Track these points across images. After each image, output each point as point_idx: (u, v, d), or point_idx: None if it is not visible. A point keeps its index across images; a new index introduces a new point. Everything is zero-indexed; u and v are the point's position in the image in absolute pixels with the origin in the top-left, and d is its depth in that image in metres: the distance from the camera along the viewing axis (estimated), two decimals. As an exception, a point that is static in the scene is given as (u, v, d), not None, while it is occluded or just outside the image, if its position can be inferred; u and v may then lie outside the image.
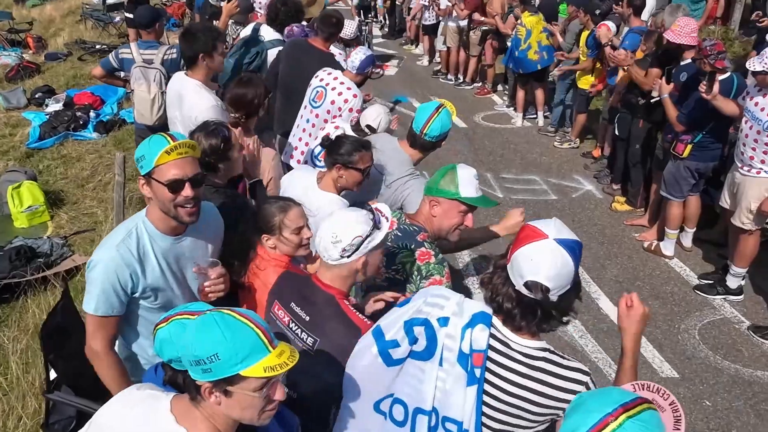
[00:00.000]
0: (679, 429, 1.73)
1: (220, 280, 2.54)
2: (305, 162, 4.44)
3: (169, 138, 2.33)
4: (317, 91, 4.61)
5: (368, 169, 3.31)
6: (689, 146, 5.45)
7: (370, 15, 12.59)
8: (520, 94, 9.43)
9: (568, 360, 1.95)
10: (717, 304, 5.39)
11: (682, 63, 5.64)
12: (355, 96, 4.51)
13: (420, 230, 2.81)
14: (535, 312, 1.87)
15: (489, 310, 1.96)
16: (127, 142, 7.80)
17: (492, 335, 1.93)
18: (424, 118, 3.46)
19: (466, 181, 2.78)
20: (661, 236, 6.18)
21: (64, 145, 7.98)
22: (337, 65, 4.87)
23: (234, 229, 2.83)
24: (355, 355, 2.15)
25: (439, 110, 3.45)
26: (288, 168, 4.42)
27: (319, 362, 2.27)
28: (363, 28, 10.92)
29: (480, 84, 11.27)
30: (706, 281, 5.60)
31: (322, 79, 4.60)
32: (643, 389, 1.79)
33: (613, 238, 6.46)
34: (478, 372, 1.89)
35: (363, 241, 2.23)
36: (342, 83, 4.54)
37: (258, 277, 2.76)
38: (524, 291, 1.84)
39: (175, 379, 1.97)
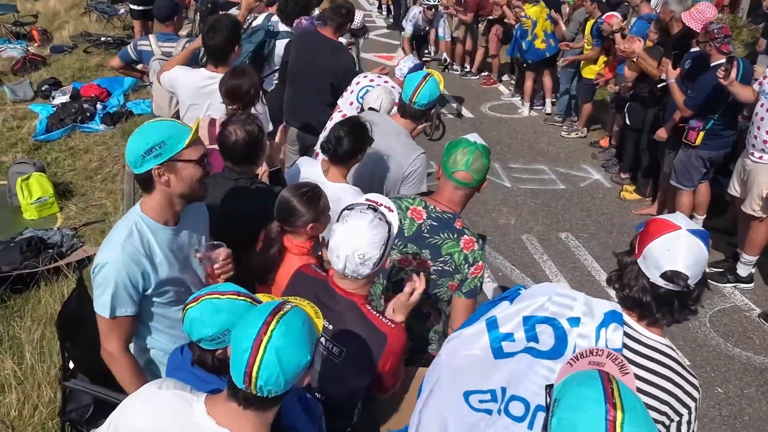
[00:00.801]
0: (627, 372, 1.73)
1: (228, 261, 2.55)
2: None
3: (181, 122, 2.37)
4: (367, 90, 4.60)
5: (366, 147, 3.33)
6: (701, 134, 5.43)
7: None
8: (528, 83, 9.40)
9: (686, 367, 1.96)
10: (727, 292, 5.39)
11: (691, 50, 5.61)
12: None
13: (455, 216, 2.74)
14: (671, 303, 1.89)
15: (619, 308, 1.96)
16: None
17: (625, 333, 1.92)
18: (412, 87, 3.47)
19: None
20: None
21: (72, 137, 7.98)
22: (348, 55, 4.88)
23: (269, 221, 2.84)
24: (461, 341, 2.11)
25: (427, 79, 3.46)
26: None
27: (346, 370, 2.27)
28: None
29: (486, 74, 11.24)
30: (716, 269, 5.60)
31: (372, 80, 4.62)
32: (578, 360, 1.79)
33: (623, 227, 6.45)
34: None
35: (386, 246, 2.22)
36: (394, 87, 4.58)
37: (280, 265, 2.77)
38: (661, 282, 1.86)
39: (204, 359, 1.99)
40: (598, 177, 7.57)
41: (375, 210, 2.23)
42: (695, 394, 1.91)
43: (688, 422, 1.92)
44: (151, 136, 2.26)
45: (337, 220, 2.27)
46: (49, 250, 5.32)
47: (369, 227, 2.18)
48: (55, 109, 8.39)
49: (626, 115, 6.96)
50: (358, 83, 4.67)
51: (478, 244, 2.73)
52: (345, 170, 3.36)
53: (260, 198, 3.03)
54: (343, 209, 2.30)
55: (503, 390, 2.06)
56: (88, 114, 8.35)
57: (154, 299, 2.46)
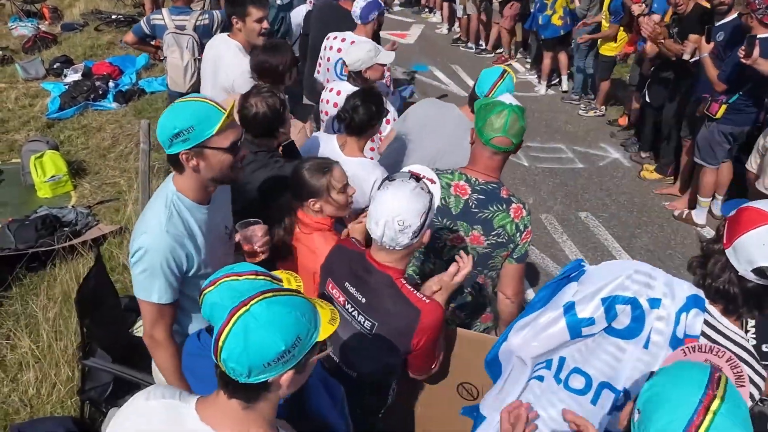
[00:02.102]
0: (742, 385, 1.66)
1: (267, 238, 2.49)
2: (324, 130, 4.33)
3: (210, 102, 2.21)
4: (344, 64, 4.48)
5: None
6: (723, 107, 5.30)
7: None
8: (546, 62, 9.23)
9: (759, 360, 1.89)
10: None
11: (722, 22, 5.45)
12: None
13: (499, 185, 2.68)
14: (760, 297, 1.80)
15: (701, 293, 1.87)
16: (147, 112, 7.74)
17: (704, 321, 1.84)
18: (489, 84, 3.28)
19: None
20: (692, 204, 6.07)
21: (84, 115, 7.91)
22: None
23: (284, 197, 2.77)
24: (537, 330, 2.02)
25: (504, 76, 3.29)
26: None
27: (379, 345, 2.20)
28: None
29: (500, 51, 11.06)
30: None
31: (339, 50, 4.48)
32: (694, 352, 1.70)
33: (643, 206, 6.35)
34: None
35: (427, 216, 2.13)
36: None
37: (300, 241, 2.70)
38: (751, 276, 1.77)
39: None
40: (617, 156, 7.45)
41: (417, 180, 2.15)
42: (762, 385, 1.84)
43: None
44: (180, 119, 2.16)
45: (378, 189, 2.19)
46: (64, 229, 5.28)
47: (410, 194, 2.09)
48: (67, 87, 8.32)
49: (646, 92, 6.82)
50: (328, 59, 4.55)
51: (525, 209, 2.70)
52: (362, 142, 3.29)
53: (279, 172, 2.96)
54: (385, 178, 2.22)
55: (561, 360, 1.99)
56: (101, 92, 8.28)
57: (193, 281, 2.38)
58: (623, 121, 8.10)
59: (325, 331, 1.50)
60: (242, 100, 2.98)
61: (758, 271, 1.75)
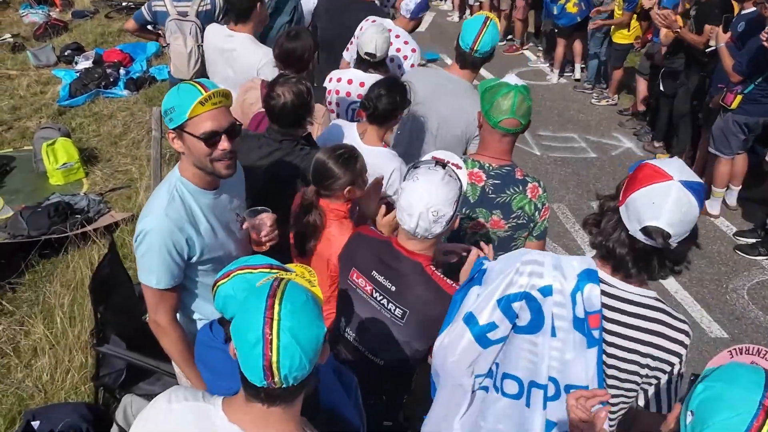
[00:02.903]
0: None
1: (274, 227, 2.47)
2: (337, 115, 4.31)
3: (200, 87, 2.15)
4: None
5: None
6: (739, 97, 5.25)
7: None
8: (559, 50, 9.16)
9: (675, 312, 1.84)
10: (766, 264, 5.24)
11: (742, 12, 5.38)
12: (414, 51, 4.35)
13: (513, 167, 2.68)
14: (649, 259, 1.73)
15: (593, 264, 1.82)
16: (158, 99, 7.72)
17: (601, 291, 1.79)
18: (473, 34, 3.21)
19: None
20: (706, 195, 6.01)
21: (96, 102, 7.92)
22: (383, 14, 4.70)
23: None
24: (447, 346, 1.99)
25: (487, 24, 3.21)
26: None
27: (410, 333, 2.20)
28: None
29: (509, 38, 10.97)
30: (747, 241, 5.46)
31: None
32: (742, 353, 1.66)
33: (656, 196, 6.29)
34: (596, 333, 1.78)
35: (458, 203, 2.13)
36: (398, 36, 4.33)
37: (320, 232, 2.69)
38: (640, 236, 1.68)
39: None
40: (630, 145, 7.39)
41: (444, 166, 2.13)
42: (685, 340, 1.80)
43: (680, 372, 1.82)
44: (169, 98, 2.17)
45: (404, 179, 2.17)
46: (77, 216, 5.29)
47: (442, 183, 2.07)
48: (78, 74, 8.33)
49: (660, 81, 6.76)
50: (361, 29, 4.46)
51: (541, 187, 2.71)
52: (382, 132, 3.26)
53: (305, 161, 2.94)
54: (410, 166, 2.19)
55: (497, 365, 1.97)
56: (112, 79, 8.28)
57: (199, 267, 2.37)
58: (633, 108, 8.03)
59: (317, 291, 1.58)
60: (268, 90, 2.94)
61: (646, 231, 1.66)
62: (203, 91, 2.13)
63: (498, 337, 1.89)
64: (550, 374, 1.85)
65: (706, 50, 5.85)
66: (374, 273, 2.26)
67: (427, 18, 12.72)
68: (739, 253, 5.38)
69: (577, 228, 5.72)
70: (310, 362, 1.37)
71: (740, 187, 5.89)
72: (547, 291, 1.81)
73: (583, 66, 9.22)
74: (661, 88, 6.72)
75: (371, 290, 2.27)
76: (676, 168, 1.68)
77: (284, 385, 1.36)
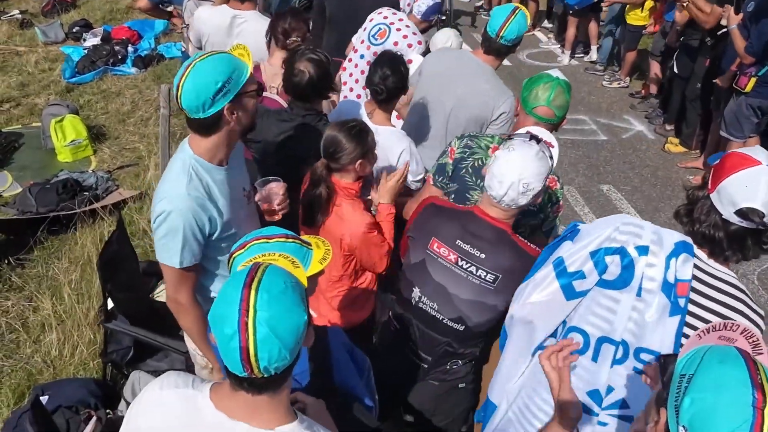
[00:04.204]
0: (761, 352, 1.61)
1: (286, 196, 2.47)
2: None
3: (229, 50, 2.21)
4: (380, 29, 4.39)
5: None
6: (753, 80, 5.18)
7: None
8: (571, 31, 9.06)
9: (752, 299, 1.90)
10: (777, 249, 5.20)
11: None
12: (419, 43, 4.31)
13: None
14: (744, 240, 1.80)
15: (689, 240, 1.88)
16: (166, 77, 7.69)
17: (694, 265, 1.85)
18: (500, 21, 3.25)
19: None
20: (718, 179, 5.95)
21: (104, 79, 7.89)
22: (396, 2, 4.66)
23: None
24: (530, 290, 2.05)
25: (516, 12, 3.24)
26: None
27: (500, 297, 2.27)
28: None
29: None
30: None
31: (386, 17, 4.39)
32: (709, 332, 1.65)
33: (667, 180, 6.25)
34: (682, 302, 1.83)
35: (546, 180, 2.20)
36: (407, 26, 4.31)
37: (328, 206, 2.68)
38: (734, 219, 1.77)
39: None
40: (642, 128, 7.32)
41: (538, 142, 2.19)
42: (761, 324, 1.85)
43: None
44: (218, 73, 2.10)
45: (500, 149, 2.24)
46: (85, 193, 5.30)
47: (536, 158, 2.15)
48: (86, 51, 8.29)
49: (674, 63, 6.67)
50: (371, 20, 4.42)
51: (559, 183, 2.72)
52: (390, 110, 3.23)
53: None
54: (505, 137, 2.26)
55: (563, 324, 2.01)
56: (120, 57, 8.24)
57: (216, 244, 2.36)
58: (645, 90, 7.95)
59: (313, 267, 1.70)
60: (287, 67, 2.92)
61: (740, 213, 1.75)
62: (227, 52, 2.18)
63: (583, 289, 1.95)
64: (624, 336, 1.89)
65: (718, 32, 5.77)
66: (459, 242, 2.32)
67: None
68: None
69: (587, 211, 5.69)
70: (291, 352, 1.35)
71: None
72: (643, 250, 1.87)
73: (599, 47, 9.10)
74: (675, 69, 6.63)
75: (456, 259, 2.32)
76: (763, 154, 1.79)
77: (266, 375, 1.35)
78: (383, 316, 2.82)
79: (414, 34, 4.30)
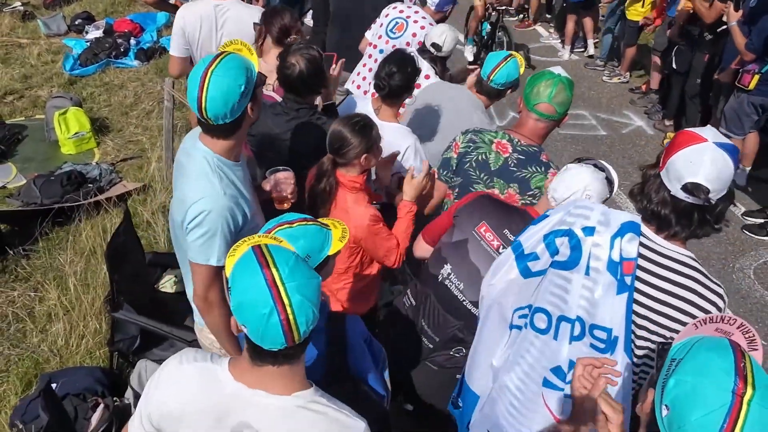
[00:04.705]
0: (755, 348, 1.66)
1: (296, 185, 2.53)
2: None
3: (241, 46, 2.27)
4: (397, 23, 4.45)
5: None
6: (756, 77, 5.21)
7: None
8: (570, 26, 9.08)
9: (711, 276, 1.94)
10: (773, 244, 5.26)
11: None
12: (431, 25, 4.36)
13: (540, 150, 2.79)
14: (691, 216, 1.86)
15: (637, 219, 1.95)
16: (168, 70, 7.71)
17: (642, 244, 1.92)
18: (491, 65, 3.37)
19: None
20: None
21: (106, 72, 7.92)
22: None
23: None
24: (494, 271, 2.18)
25: (507, 59, 3.36)
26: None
27: None
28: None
29: (522, 15, 10.87)
30: (752, 220, 5.46)
31: (402, 11, 4.45)
32: (706, 323, 1.70)
33: (665, 175, 6.28)
34: (628, 280, 1.90)
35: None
36: (424, 17, 4.40)
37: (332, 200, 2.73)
38: (681, 195, 1.82)
39: None
40: (641, 124, 7.37)
41: (604, 169, 2.37)
42: (720, 302, 1.89)
43: None
44: (239, 77, 2.12)
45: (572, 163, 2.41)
46: (89, 185, 5.34)
47: (601, 182, 2.32)
48: (88, 43, 8.32)
49: (673, 58, 6.70)
50: (387, 15, 4.49)
51: None
52: (396, 108, 3.28)
53: (322, 130, 2.97)
54: (575, 160, 2.42)
55: (529, 306, 2.10)
56: (122, 49, 8.27)
57: (240, 236, 2.34)
58: (645, 86, 7.99)
59: (335, 246, 1.83)
60: (281, 60, 2.96)
61: (686, 189, 1.80)
62: (234, 47, 2.23)
63: (537, 269, 2.05)
64: (578, 313, 1.96)
65: (718, 30, 5.80)
66: (506, 231, 2.42)
67: None
68: (747, 233, 5.39)
69: (585, 205, 5.73)
70: (318, 309, 1.47)
71: (750, 167, 5.87)
72: (589, 231, 1.95)
73: (596, 41, 9.14)
74: (674, 65, 6.67)
75: (498, 246, 2.42)
76: (710, 132, 1.85)
77: (301, 341, 1.46)
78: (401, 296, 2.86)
79: (431, 24, 4.35)
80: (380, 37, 4.46)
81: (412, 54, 3.28)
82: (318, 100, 3.28)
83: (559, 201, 2.32)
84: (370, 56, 4.54)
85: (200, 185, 2.26)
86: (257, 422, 1.53)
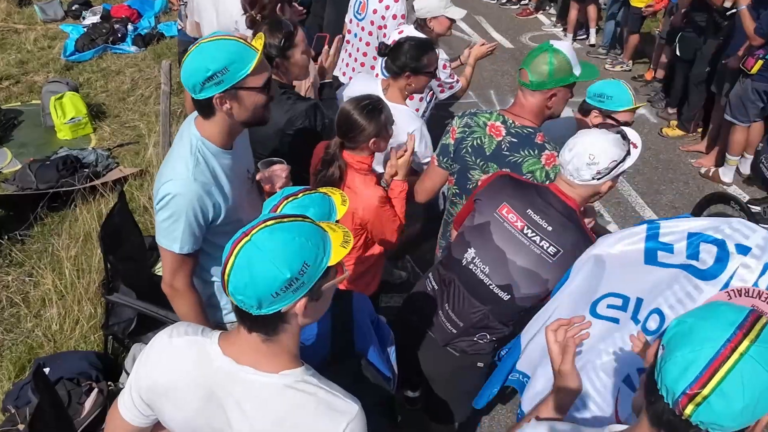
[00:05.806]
0: None
1: (289, 178, 2.44)
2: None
3: (243, 40, 2.10)
4: (360, 2, 4.40)
5: (436, 70, 3.15)
6: (760, 62, 5.13)
7: None
8: (573, 13, 8.99)
9: None
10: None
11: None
12: (396, 0, 4.27)
13: (535, 131, 2.64)
14: None
15: None
16: (166, 56, 7.63)
17: None
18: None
19: (575, 58, 2.65)
20: (719, 162, 5.95)
21: (103, 58, 7.84)
22: None
23: (311, 133, 2.71)
24: (615, 238, 2.08)
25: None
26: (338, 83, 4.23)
27: (555, 271, 2.29)
28: None
29: (525, 3, 10.78)
30: (757, 208, 5.40)
31: None
32: (740, 295, 1.63)
33: (668, 163, 6.24)
34: None
35: (616, 166, 2.19)
36: None
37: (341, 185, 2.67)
38: None
39: None
40: (644, 112, 7.28)
41: (624, 137, 2.25)
42: None
43: None
44: (213, 60, 2.02)
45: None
46: (85, 170, 5.28)
47: (611, 141, 2.20)
48: (85, 29, 8.23)
49: (677, 45, 6.62)
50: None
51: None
52: (403, 89, 3.17)
53: (293, 110, 2.89)
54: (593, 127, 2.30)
55: (638, 302, 1.98)
56: (119, 35, 8.19)
57: (219, 229, 2.29)
58: (649, 75, 7.91)
59: (336, 255, 1.43)
60: (253, 32, 2.86)
61: None
62: (247, 43, 2.09)
63: (664, 261, 1.93)
64: None
65: (726, 13, 5.72)
66: (529, 211, 2.34)
67: None
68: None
69: (587, 193, 5.68)
70: (259, 299, 1.37)
71: (754, 156, 5.81)
72: (743, 250, 1.83)
73: (598, 29, 9.05)
74: (677, 52, 6.59)
75: (522, 226, 2.33)
76: None
77: (237, 305, 1.41)
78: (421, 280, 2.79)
79: (396, 1, 4.26)
80: (351, 20, 4.42)
81: (431, 41, 3.19)
82: (307, 83, 3.20)
83: (566, 167, 2.24)
84: (348, 41, 4.48)
85: (172, 167, 2.18)
86: (243, 401, 1.47)
